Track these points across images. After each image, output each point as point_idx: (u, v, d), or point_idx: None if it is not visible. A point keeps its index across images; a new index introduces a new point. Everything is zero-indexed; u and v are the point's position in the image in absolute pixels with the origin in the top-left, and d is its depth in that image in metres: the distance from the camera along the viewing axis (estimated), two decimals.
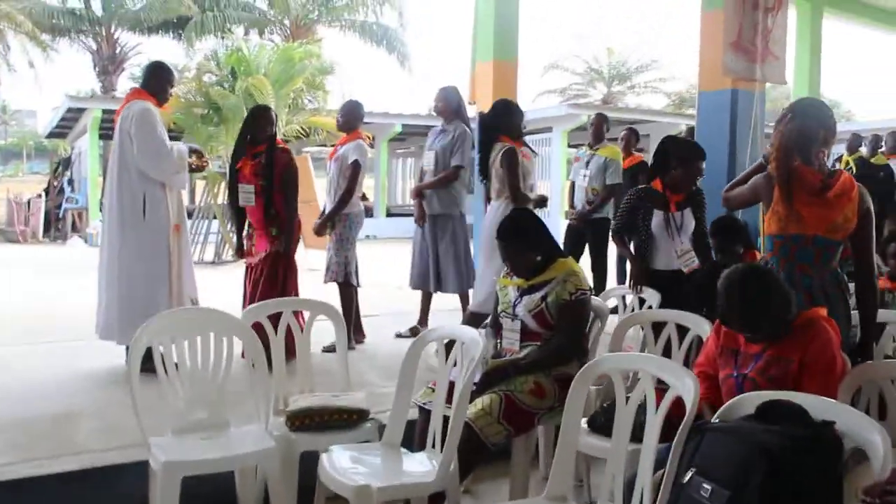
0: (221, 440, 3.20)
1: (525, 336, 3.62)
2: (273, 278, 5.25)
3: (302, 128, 13.46)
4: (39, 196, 19.16)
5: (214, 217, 13.90)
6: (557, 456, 2.69)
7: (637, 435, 2.57)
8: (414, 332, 6.25)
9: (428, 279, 6.36)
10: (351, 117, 6.18)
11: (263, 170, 5.27)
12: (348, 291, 5.98)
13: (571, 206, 7.72)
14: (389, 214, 22.07)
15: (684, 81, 37.23)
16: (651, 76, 36.78)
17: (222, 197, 13.83)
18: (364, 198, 23.45)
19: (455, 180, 6.25)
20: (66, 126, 22.38)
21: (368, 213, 23.42)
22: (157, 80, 5.24)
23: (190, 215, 14.88)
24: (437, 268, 6.30)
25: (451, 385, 3.13)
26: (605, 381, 3.58)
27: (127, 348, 5.02)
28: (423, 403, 3.42)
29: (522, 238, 3.65)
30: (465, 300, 6.43)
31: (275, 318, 3.64)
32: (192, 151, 5.38)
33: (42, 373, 5.14)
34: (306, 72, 13.08)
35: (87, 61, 29.64)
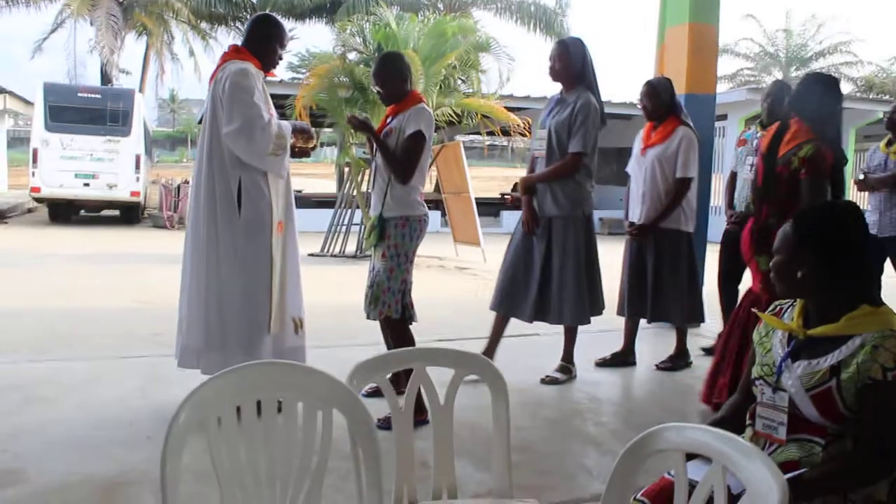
0: None
1: (795, 423, 2.15)
2: None
3: (454, 111, 12.18)
4: (187, 182, 18.88)
5: (357, 207, 12.89)
6: None
7: None
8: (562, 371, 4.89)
9: (525, 303, 4.76)
10: (396, 78, 4.09)
11: None
12: (403, 332, 4.10)
13: (730, 205, 5.74)
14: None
15: (873, 65, 33.90)
16: (835, 60, 33.49)
17: (367, 185, 12.82)
18: (516, 188, 22.52)
19: (574, 172, 4.62)
20: None
21: (515, 208, 22.14)
22: (263, 37, 4.02)
23: (333, 204, 14.01)
24: (547, 290, 4.69)
25: None
26: None
27: None
28: None
29: (828, 242, 2.18)
30: (571, 336, 4.91)
31: (400, 379, 2.35)
32: (297, 130, 4.12)
33: (108, 409, 4.07)
34: (460, 47, 11.76)
35: None
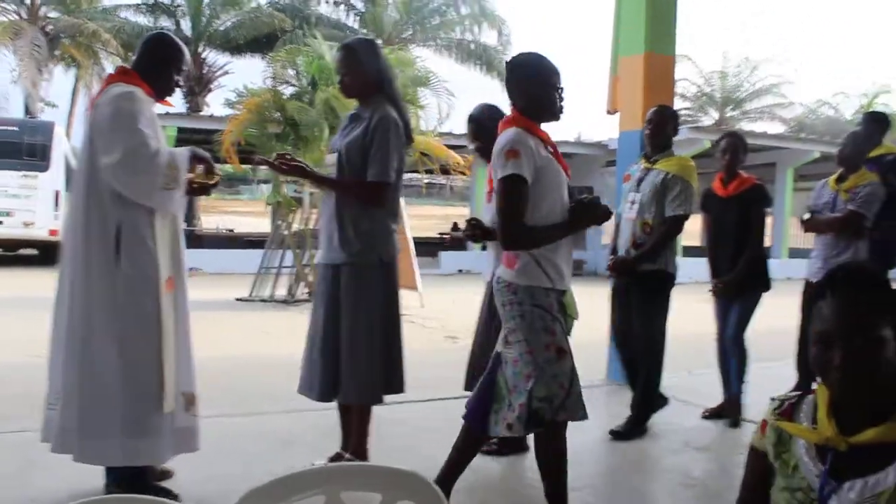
0: None
1: None
2: None
3: None
4: None
5: (288, 247, 12.20)
6: None
7: None
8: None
9: (314, 378, 3.69)
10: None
11: None
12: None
13: (614, 251, 4.87)
14: (485, 247, 20.05)
15: (804, 106, 34.68)
16: (768, 101, 34.09)
17: (298, 224, 12.17)
18: (456, 228, 21.93)
19: (376, 204, 3.61)
20: None
21: (461, 245, 21.99)
22: (156, 60, 3.40)
23: (262, 244, 13.28)
24: (337, 360, 3.63)
25: None
26: None
27: (110, 472, 3.25)
28: None
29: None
30: (363, 419, 3.68)
31: None
32: (196, 159, 3.46)
33: None
34: (398, 81, 11.24)
35: None
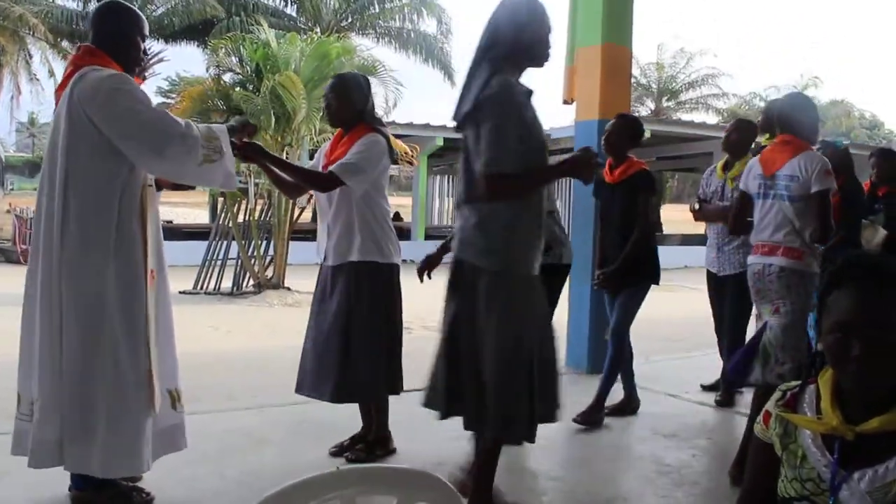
0: None
1: None
2: None
3: None
4: None
5: (234, 239, 11.98)
6: None
7: None
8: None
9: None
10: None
11: None
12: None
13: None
14: (428, 237, 20.07)
15: (737, 97, 35.47)
16: (703, 92, 34.78)
17: (243, 216, 11.95)
18: (398, 217, 21.78)
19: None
20: None
21: (405, 235, 21.96)
22: (116, 30, 3.13)
23: (201, 236, 13.03)
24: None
25: None
26: None
27: (75, 476, 3.09)
28: None
29: None
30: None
31: None
32: (235, 128, 3.29)
33: None
34: (344, 70, 11.11)
35: None
